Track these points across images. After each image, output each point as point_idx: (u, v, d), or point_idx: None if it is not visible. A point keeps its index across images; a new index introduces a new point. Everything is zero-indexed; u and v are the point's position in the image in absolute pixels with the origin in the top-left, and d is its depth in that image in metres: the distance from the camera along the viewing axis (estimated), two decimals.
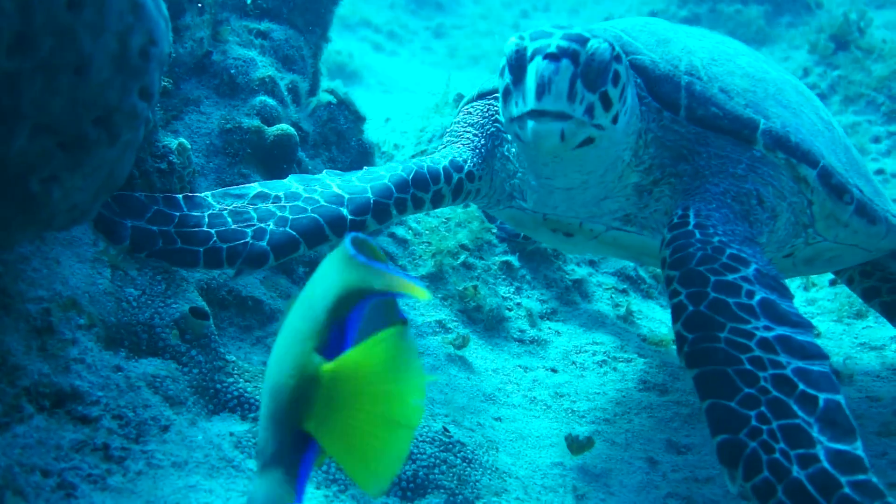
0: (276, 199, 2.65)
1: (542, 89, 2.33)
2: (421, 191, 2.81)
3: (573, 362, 3.56)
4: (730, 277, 2.26)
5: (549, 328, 3.83)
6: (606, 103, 2.42)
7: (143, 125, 1.97)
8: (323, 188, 2.70)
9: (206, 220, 2.54)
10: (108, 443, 1.89)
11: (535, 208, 2.89)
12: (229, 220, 2.56)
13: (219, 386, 2.30)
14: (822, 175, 2.73)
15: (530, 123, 2.37)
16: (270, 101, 3.29)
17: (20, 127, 1.64)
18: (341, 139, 3.79)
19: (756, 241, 2.54)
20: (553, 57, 2.33)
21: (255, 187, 2.69)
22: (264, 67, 3.40)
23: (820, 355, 2.10)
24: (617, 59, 2.44)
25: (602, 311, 4.06)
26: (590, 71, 2.36)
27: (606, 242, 2.94)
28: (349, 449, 1.13)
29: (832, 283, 4.76)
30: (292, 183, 2.72)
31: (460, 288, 3.66)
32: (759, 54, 3.14)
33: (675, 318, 2.24)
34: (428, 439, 2.46)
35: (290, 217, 2.57)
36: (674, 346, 3.81)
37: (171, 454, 1.97)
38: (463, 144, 3.00)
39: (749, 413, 1.97)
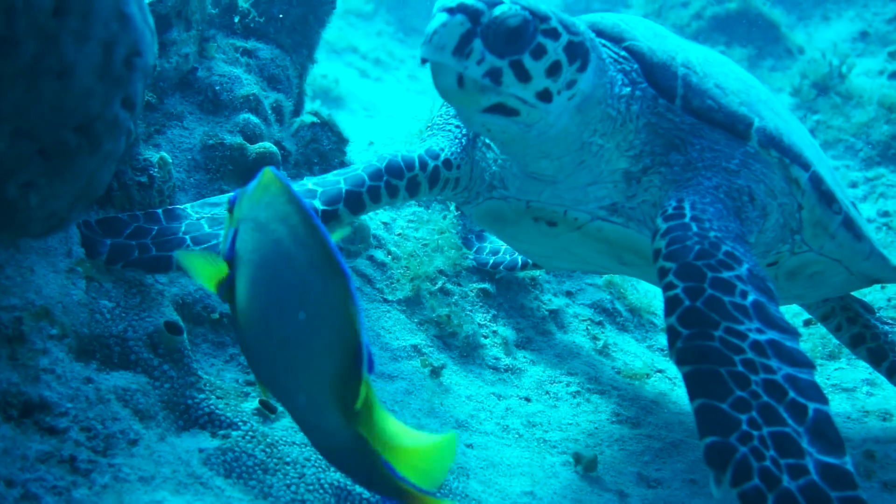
0: None
1: (426, 38, 2.26)
2: (395, 178, 2.81)
3: (547, 392, 3.55)
4: (725, 275, 2.21)
5: (524, 357, 3.83)
6: (522, 74, 2.32)
7: (125, 136, 1.97)
8: (299, 187, 2.73)
9: (183, 227, 2.58)
10: (74, 455, 1.86)
11: (518, 195, 2.83)
12: (205, 225, 2.59)
13: (190, 402, 2.28)
14: (813, 179, 2.72)
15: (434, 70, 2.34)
16: (254, 119, 3.29)
17: None
18: (323, 160, 3.79)
19: (746, 239, 2.51)
20: (449, 11, 2.25)
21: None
22: (249, 85, 3.40)
23: (808, 363, 2.07)
24: (547, 34, 2.35)
25: (577, 342, 4.06)
26: (494, 34, 2.26)
27: (590, 235, 2.86)
28: None
29: (806, 323, 4.79)
30: None
31: (434, 315, 3.65)
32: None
33: (668, 312, 2.18)
34: None
35: None
36: (648, 381, 3.82)
37: (139, 468, 1.95)
38: (443, 136, 3.01)
39: (741, 417, 1.93)
